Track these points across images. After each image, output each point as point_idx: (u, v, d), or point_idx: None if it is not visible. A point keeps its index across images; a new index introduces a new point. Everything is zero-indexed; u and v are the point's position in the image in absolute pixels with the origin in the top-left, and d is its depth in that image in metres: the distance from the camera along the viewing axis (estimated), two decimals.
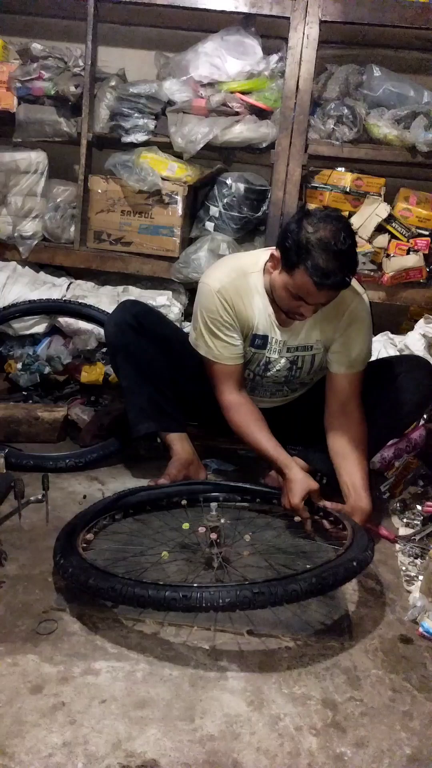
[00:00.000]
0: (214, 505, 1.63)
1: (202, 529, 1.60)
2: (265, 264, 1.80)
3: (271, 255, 1.75)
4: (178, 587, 1.29)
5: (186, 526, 1.70)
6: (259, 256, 1.86)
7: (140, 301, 2.27)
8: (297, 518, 1.76)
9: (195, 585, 1.30)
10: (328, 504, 1.75)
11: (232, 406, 1.87)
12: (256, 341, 1.88)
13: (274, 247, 1.76)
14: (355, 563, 1.40)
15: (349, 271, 1.64)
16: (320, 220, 1.63)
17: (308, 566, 1.43)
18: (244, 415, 1.86)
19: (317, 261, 1.59)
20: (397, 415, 1.92)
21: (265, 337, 1.88)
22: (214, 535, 1.58)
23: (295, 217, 1.72)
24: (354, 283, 1.80)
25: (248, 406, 1.88)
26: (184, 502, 1.85)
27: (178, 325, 2.44)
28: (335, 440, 1.84)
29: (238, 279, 1.83)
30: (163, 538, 1.71)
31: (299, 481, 1.75)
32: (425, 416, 2.25)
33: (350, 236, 1.64)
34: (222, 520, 1.61)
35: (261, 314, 1.85)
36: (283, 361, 1.91)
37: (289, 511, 1.78)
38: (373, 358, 1.99)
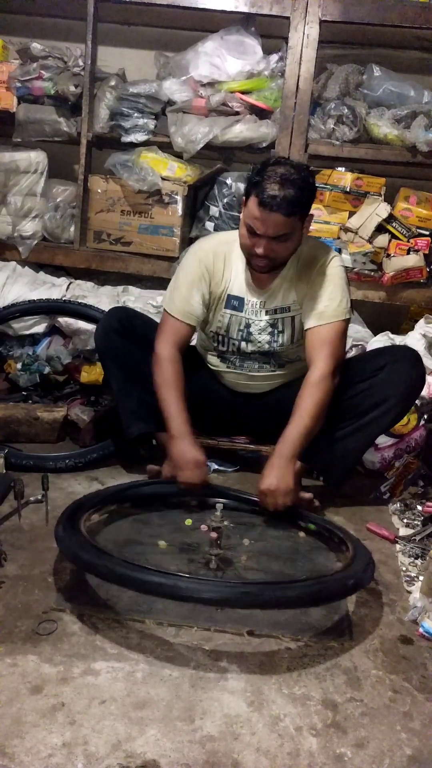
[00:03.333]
0: (219, 506, 1.63)
1: (203, 527, 1.60)
2: None
3: (242, 201, 1.82)
4: (168, 574, 1.30)
5: (188, 522, 1.72)
6: None
7: (127, 307, 2.31)
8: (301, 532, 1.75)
9: (184, 575, 1.33)
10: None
11: (163, 358, 1.90)
12: (231, 302, 1.94)
13: None
14: (351, 581, 1.40)
15: (294, 198, 1.69)
16: (276, 162, 1.77)
17: (302, 576, 1.44)
18: (169, 371, 1.89)
19: (265, 185, 1.70)
20: (384, 407, 1.89)
21: (240, 299, 1.93)
22: (214, 535, 1.58)
23: (255, 165, 1.81)
24: (326, 247, 1.96)
25: (176, 365, 1.91)
26: (194, 502, 1.87)
27: None
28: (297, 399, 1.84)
29: (219, 245, 1.94)
30: (163, 532, 1.72)
31: (186, 452, 1.79)
32: (425, 416, 2.25)
33: (302, 175, 1.73)
34: (225, 522, 1.60)
35: (237, 276, 1.92)
36: (263, 323, 1.94)
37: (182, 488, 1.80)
38: None
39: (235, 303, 1.94)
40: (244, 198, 1.79)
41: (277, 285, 1.91)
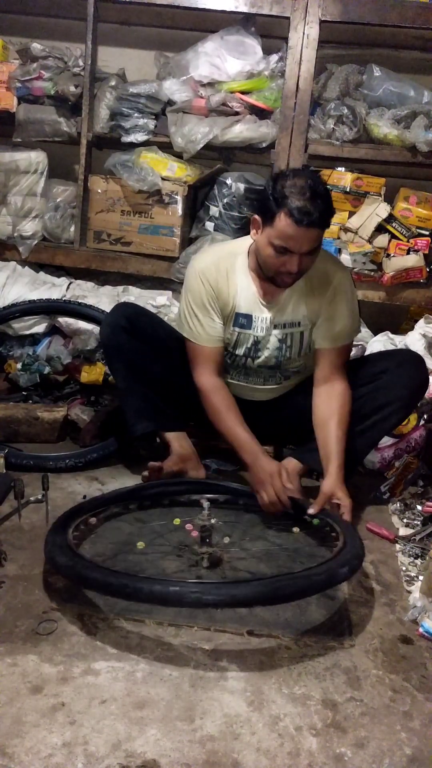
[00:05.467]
0: (206, 504, 1.63)
1: (189, 527, 1.60)
2: (250, 247, 1.85)
3: (252, 220, 1.78)
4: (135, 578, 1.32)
5: (177, 521, 1.71)
6: (247, 239, 1.87)
7: (134, 303, 2.28)
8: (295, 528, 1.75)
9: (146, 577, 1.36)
10: (312, 510, 1.72)
11: (209, 390, 1.89)
12: (239, 320, 1.90)
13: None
14: (323, 576, 1.37)
15: (326, 213, 1.69)
16: (293, 174, 1.71)
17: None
18: (219, 400, 1.88)
19: (295, 202, 1.64)
20: (387, 410, 1.90)
21: (248, 317, 1.89)
22: (195, 533, 1.59)
23: (269, 180, 1.77)
24: (334, 258, 1.89)
25: (224, 392, 1.90)
26: (207, 503, 1.86)
27: (175, 325, 2.44)
28: (317, 413, 1.86)
29: (222, 259, 1.88)
30: (149, 532, 1.72)
31: (267, 465, 1.78)
32: (425, 416, 2.25)
33: (323, 184, 1.72)
34: (213, 520, 1.61)
35: (244, 292, 1.87)
36: (272, 339, 1.91)
37: (262, 502, 1.77)
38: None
39: (244, 321, 1.90)
40: (258, 217, 1.73)
41: (287, 298, 1.86)
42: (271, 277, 1.79)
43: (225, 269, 1.87)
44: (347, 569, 1.41)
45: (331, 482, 1.73)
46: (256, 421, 2.07)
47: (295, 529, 1.75)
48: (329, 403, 1.84)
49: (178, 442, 2.03)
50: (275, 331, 1.90)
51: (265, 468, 1.78)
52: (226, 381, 2.03)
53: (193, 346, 1.91)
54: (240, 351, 1.94)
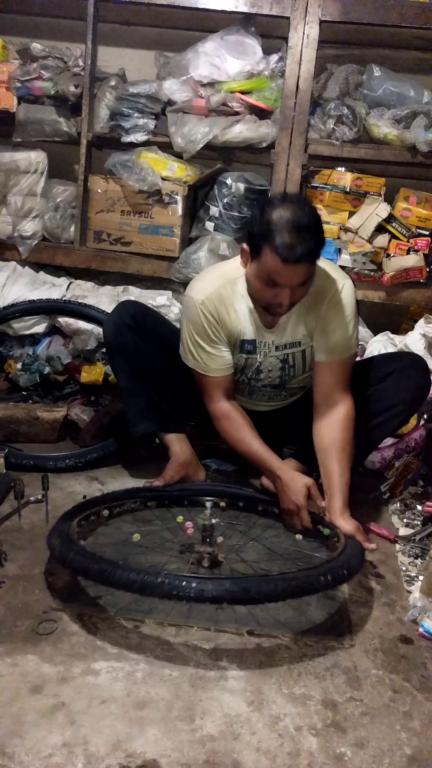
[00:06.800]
0: (209, 504, 1.64)
1: (189, 524, 1.60)
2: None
3: (242, 250, 1.72)
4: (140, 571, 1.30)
5: (180, 519, 1.71)
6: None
7: (138, 301, 2.26)
8: (298, 534, 1.74)
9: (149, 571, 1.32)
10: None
11: (222, 415, 1.87)
12: (245, 347, 1.87)
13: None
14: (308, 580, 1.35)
15: (314, 244, 1.59)
16: (280, 203, 1.63)
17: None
18: (234, 423, 1.86)
19: (280, 238, 1.56)
20: (390, 413, 1.90)
21: (253, 342, 1.86)
22: (191, 531, 1.60)
23: (257, 207, 1.72)
24: (334, 271, 1.80)
25: (237, 413, 1.88)
26: (223, 504, 1.86)
27: (178, 325, 2.44)
28: (318, 434, 1.80)
29: (221, 287, 1.81)
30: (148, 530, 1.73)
31: (296, 480, 1.73)
32: (425, 416, 2.25)
33: (311, 214, 1.63)
34: (215, 520, 1.61)
35: (246, 319, 1.83)
36: (272, 360, 1.89)
37: (288, 518, 1.76)
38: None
39: (249, 347, 1.87)
40: (247, 247, 1.68)
41: (285, 320, 1.82)
42: (264, 307, 1.75)
43: (226, 298, 1.81)
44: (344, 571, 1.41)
45: (333, 518, 1.68)
46: (257, 425, 2.07)
47: (298, 537, 1.75)
48: (330, 430, 1.77)
49: (178, 444, 2.02)
50: (276, 353, 1.88)
51: (295, 489, 1.72)
52: None
53: (202, 376, 1.87)
54: (246, 374, 1.93)
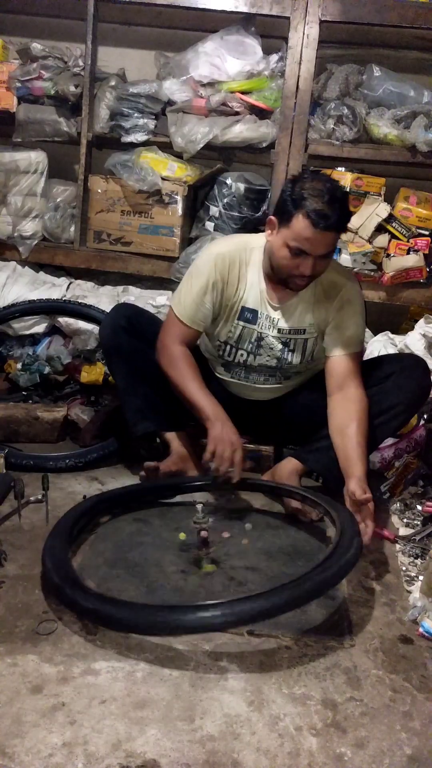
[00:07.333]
0: (199, 505, 1.64)
1: (204, 534, 1.60)
2: (265, 245, 1.84)
3: (268, 221, 1.78)
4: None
5: (183, 536, 1.70)
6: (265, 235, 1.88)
7: (133, 304, 2.29)
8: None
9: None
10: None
11: (177, 355, 1.88)
12: (245, 314, 1.90)
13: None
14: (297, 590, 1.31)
15: (343, 217, 1.70)
16: (312, 177, 1.74)
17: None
18: (184, 365, 1.88)
19: (313, 204, 1.65)
20: (390, 414, 1.91)
21: (254, 311, 1.90)
22: (204, 533, 1.60)
23: (287, 181, 1.80)
24: (344, 269, 1.89)
25: (189, 359, 1.90)
26: (200, 505, 1.86)
27: None
28: (334, 420, 1.84)
29: (238, 250, 1.88)
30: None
31: (236, 438, 1.76)
32: (425, 416, 2.25)
33: (341, 189, 1.74)
34: (210, 520, 1.61)
35: (252, 287, 1.88)
36: (275, 339, 1.91)
37: (215, 474, 1.76)
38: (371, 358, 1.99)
39: (249, 315, 1.90)
40: (274, 218, 1.75)
41: (294, 303, 1.87)
42: (283, 279, 1.79)
43: (240, 260, 1.87)
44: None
45: (354, 484, 1.68)
46: (257, 421, 2.07)
47: (248, 526, 1.77)
48: (347, 408, 1.81)
49: (177, 441, 2.03)
50: (279, 333, 1.90)
51: (231, 435, 1.76)
52: (227, 380, 2.03)
53: (173, 317, 1.91)
54: (243, 345, 1.94)
